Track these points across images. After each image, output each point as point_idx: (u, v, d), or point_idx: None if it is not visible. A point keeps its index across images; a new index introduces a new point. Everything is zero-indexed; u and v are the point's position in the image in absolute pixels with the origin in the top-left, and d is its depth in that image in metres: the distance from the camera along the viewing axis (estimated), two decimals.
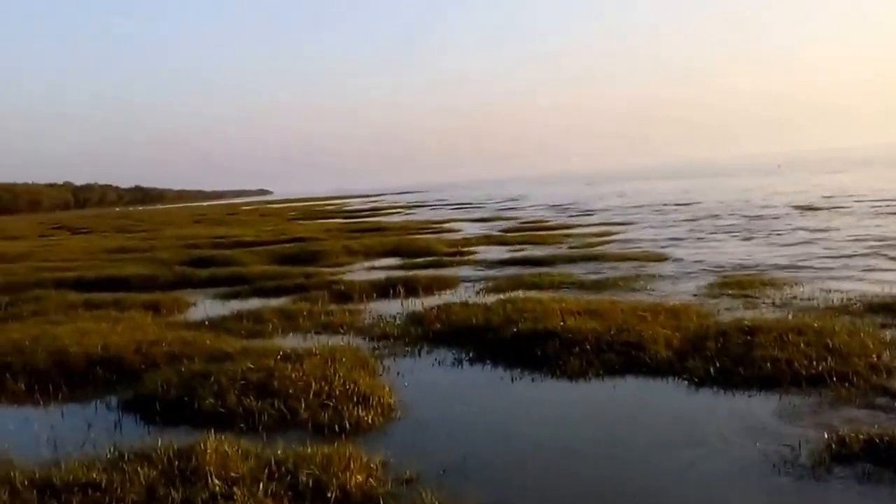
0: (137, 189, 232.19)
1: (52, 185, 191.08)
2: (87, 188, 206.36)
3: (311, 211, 77.82)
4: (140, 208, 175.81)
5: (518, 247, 20.77)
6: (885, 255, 14.54)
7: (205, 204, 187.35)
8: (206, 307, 13.38)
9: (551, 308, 9.55)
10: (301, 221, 48.25)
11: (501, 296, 11.85)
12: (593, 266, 15.40)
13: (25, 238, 46.27)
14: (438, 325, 9.63)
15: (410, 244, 22.31)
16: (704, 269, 14.15)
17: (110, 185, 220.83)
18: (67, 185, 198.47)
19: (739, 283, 11.79)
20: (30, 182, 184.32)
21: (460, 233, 28.33)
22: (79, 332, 9.31)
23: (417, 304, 12.20)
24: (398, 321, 10.45)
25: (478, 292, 13.08)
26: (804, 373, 6.59)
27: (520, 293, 12.14)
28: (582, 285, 12.84)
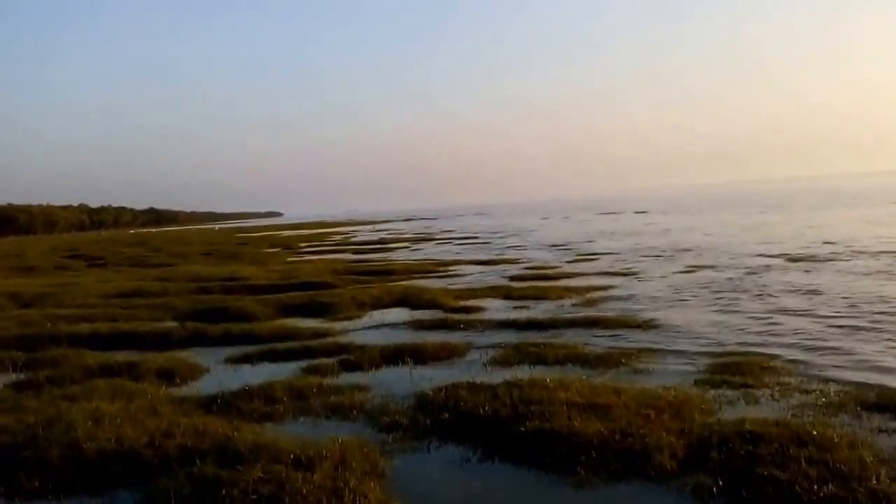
0: (151, 211, 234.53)
1: (67, 207, 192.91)
2: (102, 210, 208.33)
3: (319, 239, 78.59)
4: (154, 230, 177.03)
5: (521, 302, 20.89)
6: (881, 328, 14.67)
7: (216, 227, 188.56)
8: (219, 374, 13.60)
9: (557, 399, 9.68)
10: (310, 257, 48.61)
11: (507, 374, 12.04)
12: (594, 334, 15.53)
13: (41, 270, 46.74)
14: (447, 415, 9.77)
15: (417, 295, 22.47)
16: (704, 342, 14.29)
17: (125, 207, 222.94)
18: (82, 207, 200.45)
19: (738, 367, 11.88)
20: (45, 203, 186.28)
21: (466, 278, 28.52)
22: (93, 418, 9.48)
23: (426, 376, 12.44)
24: (407, 405, 10.59)
25: (485, 365, 13.23)
26: (805, 499, 6.69)
27: (526, 370, 12.39)
28: (585, 361, 12.96)
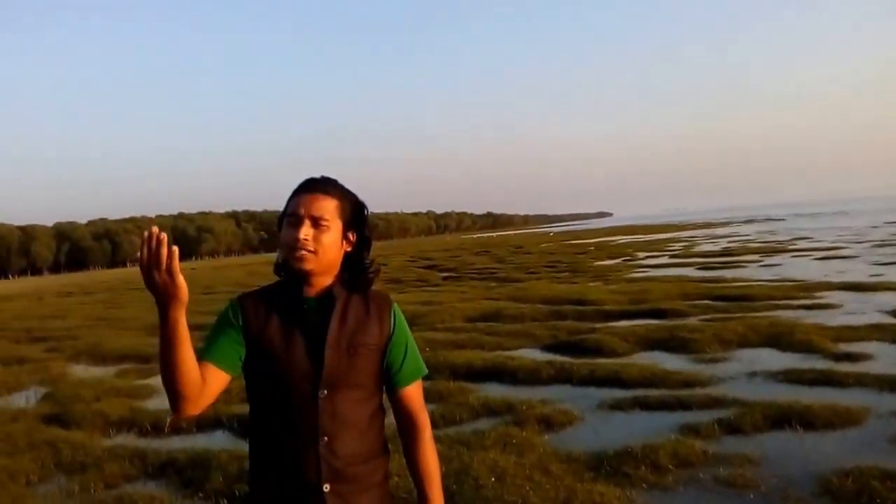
0: (489, 215, 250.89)
1: (416, 214, 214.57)
2: (446, 216, 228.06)
3: (658, 248, 77.30)
4: (493, 234, 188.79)
5: None
6: None
7: (551, 233, 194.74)
8: (593, 424, 13.95)
9: None
10: (652, 272, 47.42)
11: None
12: None
13: (405, 283, 52.44)
14: None
15: (788, 335, 20.66)
16: None
17: (465, 213, 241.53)
18: (430, 214, 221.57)
19: None
20: (399, 212, 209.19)
21: (838, 311, 25.46)
22: (495, 474, 10.38)
23: (820, 449, 11.45)
24: (808, 490, 9.80)
25: (890, 441, 11.77)
26: None
27: None
28: None
